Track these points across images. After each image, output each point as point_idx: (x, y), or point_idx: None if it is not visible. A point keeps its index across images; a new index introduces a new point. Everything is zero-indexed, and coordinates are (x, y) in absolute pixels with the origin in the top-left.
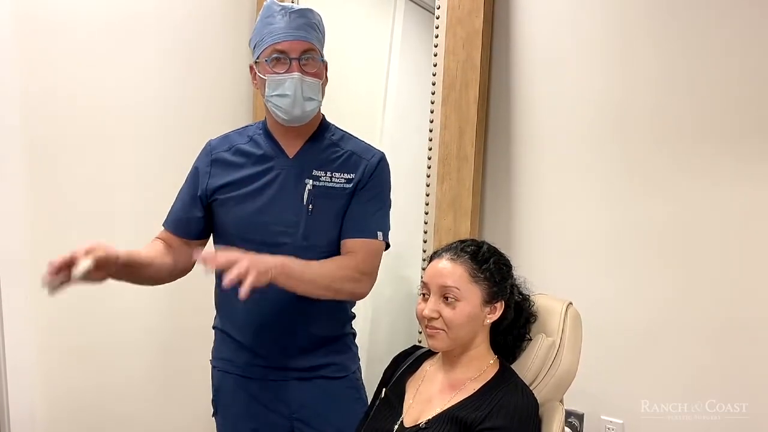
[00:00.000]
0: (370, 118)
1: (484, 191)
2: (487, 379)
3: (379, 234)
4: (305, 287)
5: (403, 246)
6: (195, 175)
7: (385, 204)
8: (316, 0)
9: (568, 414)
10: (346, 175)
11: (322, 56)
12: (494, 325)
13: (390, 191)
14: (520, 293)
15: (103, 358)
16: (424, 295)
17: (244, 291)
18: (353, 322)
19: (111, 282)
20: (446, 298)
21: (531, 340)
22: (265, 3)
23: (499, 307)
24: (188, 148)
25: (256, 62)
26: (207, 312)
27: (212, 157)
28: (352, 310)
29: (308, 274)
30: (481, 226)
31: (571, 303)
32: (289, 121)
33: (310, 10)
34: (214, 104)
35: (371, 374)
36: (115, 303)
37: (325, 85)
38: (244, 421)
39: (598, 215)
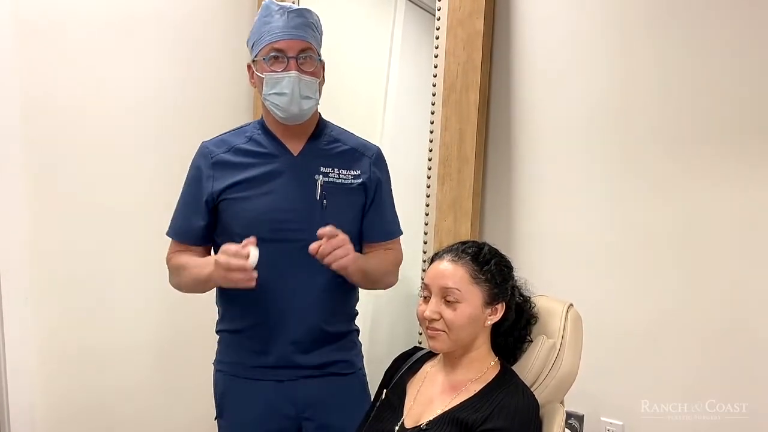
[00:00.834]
0: (370, 120)
1: (485, 193)
2: (488, 381)
3: (401, 228)
4: (362, 278)
5: (404, 247)
6: (197, 180)
7: (392, 195)
8: (317, 1)
9: (568, 415)
10: (352, 171)
11: (319, 56)
12: (495, 327)
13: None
14: (521, 295)
15: (103, 360)
16: (425, 296)
17: (340, 264)
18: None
19: (110, 283)
20: (447, 300)
21: (532, 341)
22: (263, 2)
23: (500, 309)
24: (188, 148)
25: (254, 61)
26: (207, 315)
27: (213, 160)
28: (357, 305)
29: (368, 267)
30: (481, 227)
31: (571, 305)
32: (287, 119)
33: (308, 10)
34: (214, 104)
35: (372, 375)
36: (115, 305)
37: (323, 84)
38: (252, 424)
39: (599, 216)
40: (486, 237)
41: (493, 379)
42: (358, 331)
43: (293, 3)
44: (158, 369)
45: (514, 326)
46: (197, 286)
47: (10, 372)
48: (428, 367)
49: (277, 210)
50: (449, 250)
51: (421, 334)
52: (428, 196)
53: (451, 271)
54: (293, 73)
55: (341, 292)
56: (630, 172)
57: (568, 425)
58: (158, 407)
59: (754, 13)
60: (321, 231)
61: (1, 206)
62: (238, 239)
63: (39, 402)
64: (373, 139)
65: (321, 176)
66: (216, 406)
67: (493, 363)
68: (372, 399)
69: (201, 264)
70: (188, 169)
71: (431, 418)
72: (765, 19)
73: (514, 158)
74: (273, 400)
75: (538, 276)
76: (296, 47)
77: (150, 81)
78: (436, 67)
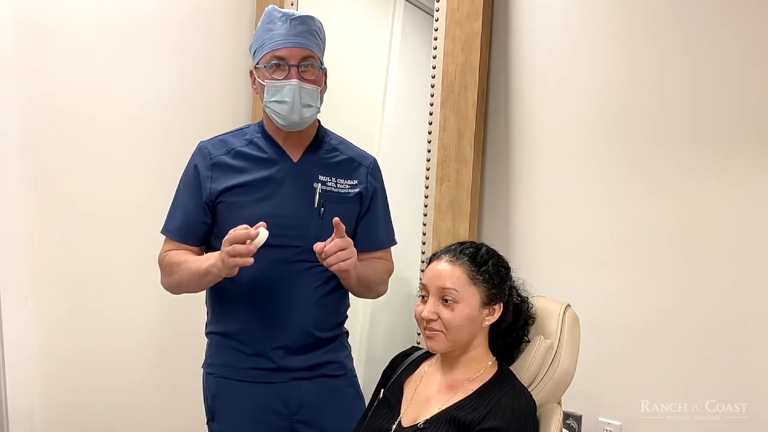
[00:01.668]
0: (369, 120)
1: (483, 193)
2: (486, 380)
3: (395, 238)
4: (358, 284)
5: (402, 248)
6: (196, 179)
7: (387, 205)
8: (316, 3)
9: (566, 416)
10: (349, 181)
11: (321, 63)
12: (493, 327)
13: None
14: (519, 295)
15: (102, 360)
16: (423, 296)
17: (340, 267)
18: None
19: (109, 284)
20: (445, 300)
21: (529, 341)
22: (266, 9)
23: (498, 309)
24: (188, 149)
25: (255, 68)
26: (204, 316)
27: (211, 161)
28: (347, 311)
29: (364, 274)
30: (479, 227)
31: (569, 305)
32: (287, 126)
33: (311, 17)
34: (214, 105)
35: (370, 375)
36: (113, 305)
37: (324, 92)
38: (245, 426)
39: (597, 217)
40: (484, 237)
41: (490, 379)
42: (347, 333)
43: (292, 5)
44: (157, 369)
45: (512, 327)
46: (191, 282)
47: (9, 372)
48: (426, 367)
49: (275, 215)
50: (447, 250)
51: (419, 334)
52: (427, 197)
53: (449, 272)
54: (294, 81)
55: (334, 298)
56: (629, 173)
57: (566, 425)
58: (157, 407)
59: (755, 13)
60: (335, 220)
61: (1, 206)
62: None
63: (38, 402)
64: (372, 140)
65: (319, 184)
66: (207, 410)
67: (490, 363)
68: (367, 399)
69: (200, 258)
70: (185, 168)
71: (428, 417)
72: (765, 19)
73: (513, 158)
74: (265, 403)
75: (537, 276)
76: (298, 55)
77: (150, 81)
78: (434, 67)
